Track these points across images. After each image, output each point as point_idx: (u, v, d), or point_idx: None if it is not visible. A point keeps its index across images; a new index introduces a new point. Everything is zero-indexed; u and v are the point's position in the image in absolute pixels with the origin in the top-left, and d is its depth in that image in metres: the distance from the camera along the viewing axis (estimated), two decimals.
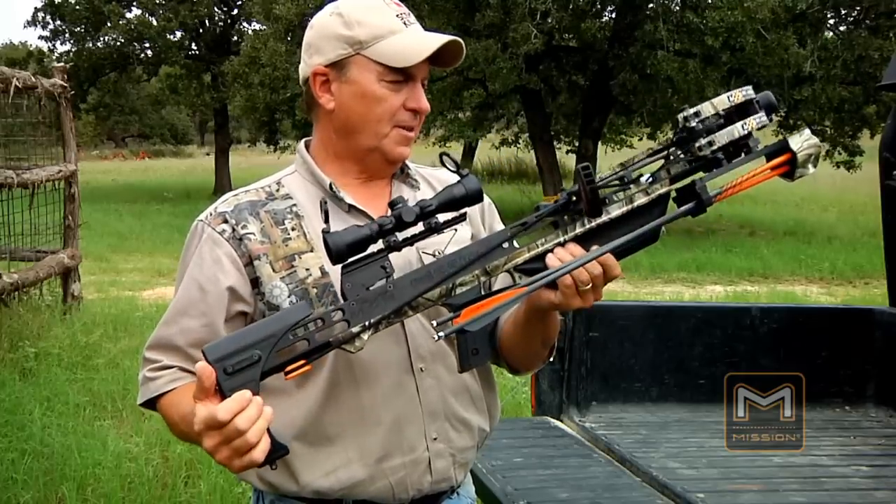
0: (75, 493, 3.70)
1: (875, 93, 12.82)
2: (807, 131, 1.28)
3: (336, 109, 1.44)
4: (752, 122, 1.24)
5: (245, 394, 1.14)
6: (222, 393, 1.16)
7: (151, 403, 1.41)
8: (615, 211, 1.28)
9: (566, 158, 19.98)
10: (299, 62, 1.50)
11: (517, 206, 14.97)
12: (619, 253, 1.27)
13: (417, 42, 1.41)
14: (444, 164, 1.33)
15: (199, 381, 1.15)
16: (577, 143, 17.10)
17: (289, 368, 1.22)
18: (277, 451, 1.19)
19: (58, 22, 22.48)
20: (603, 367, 3.34)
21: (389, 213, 1.27)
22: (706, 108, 1.24)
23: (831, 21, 14.52)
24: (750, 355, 3.40)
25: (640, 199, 1.27)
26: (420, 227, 1.28)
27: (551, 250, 1.28)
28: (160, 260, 11.16)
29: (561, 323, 1.51)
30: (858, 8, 14.17)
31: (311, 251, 1.42)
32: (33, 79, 7.02)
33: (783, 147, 1.26)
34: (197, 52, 23.46)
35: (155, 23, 21.87)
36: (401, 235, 1.27)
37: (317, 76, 1.44)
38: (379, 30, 1.40)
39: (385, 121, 1.42)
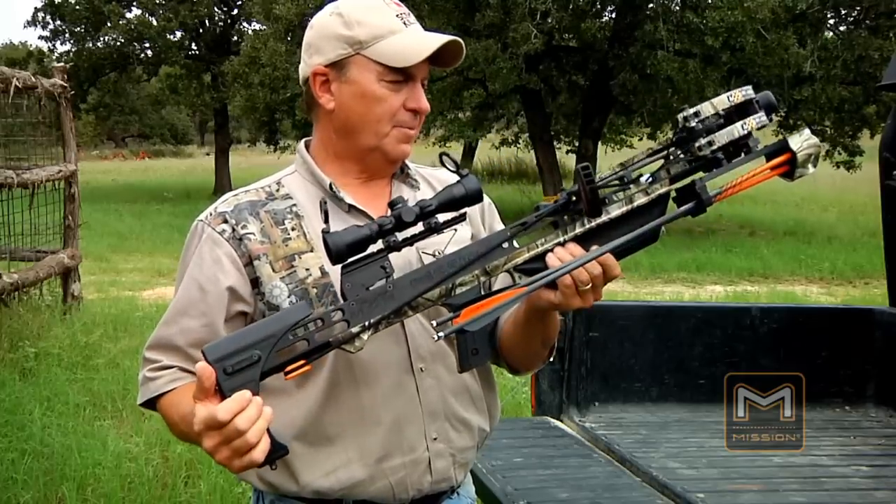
0: (75, 493, 3.70)
1: (875, 93, 12.82)
2: (806, 131, 1.28)
3: (336, 109, 1.44)
4: (752, 121, 1.24)
5: (245, 394, 1.14)
6: (222, 393, 1.16)
7: (151, 403, 1.41)
8: (615, 211, 1.28)
9: (566, 158, 19.98)
10: (299, 62, 1.50)
11: (517, 206, 14.97)
12: (619, 253, 1.27)
13: (417, 42, 1.41)
14: (443, 164, 1.33)
15: (199, 381, 1.15)
16: (577, 143, 17.10)
17: (289, 368, 1.22)
18: (277, 452, 1.19)
19: (58, 22, 22.49)
20: (603, 367, 3.34)
21: (389, 213, 1.27)
22: (706, 108, 1.24)
23: (831, 21, 14.53)
24: (750, 355, 3.40)
25: (640, 199, 1.27)
26: (420, 227, 1.28)
27: (551, 250, 1.28)
28: (160, 260, 11.16)
29: (561, 323, 1.52)
30: (858, 8, 14.16)
31: (311, 251, 1.42)
32: (33, 79, 7.02)
33: (783, 147, 1.26)
34: (197, 52, 23.46)
35: (155, 23, 21.87)
36: (400, 235, 1.27)
37: (317, 76, 1.44)
38: (379, 30, 1.40)
39: (385, 121, 1.42)
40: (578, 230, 1.28)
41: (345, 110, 1.43)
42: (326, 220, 1.25)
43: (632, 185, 1.27)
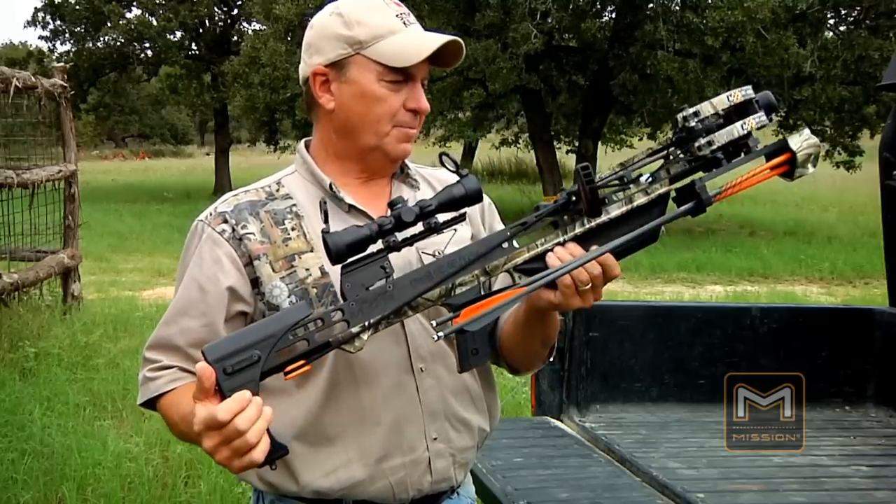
0: (75, 493, 3.70)
1: (875, 93, 12.81)
2: (806, 131, 1.28)
3: (336, 109, 1.44)
4: (752, 121, 1.24)
5: (245, 394, 1.14)
6: (222, 393, 1.16)
7: (151, 403, 1.41)
8: (615, 211, 1.28)
9: (566, 158, 19.98)
10: (299, 62, 1.50)
11: (517, 206, 14.97)
12: (619, 253, 1.27)
13: (417, 42, 1.41)
14: (443, 164, 1.33)
15: (199, 381, 1.15)
16: (577, 143, 17.11)
17: (288, 368, 1.22)
18: (277, 452, 1.19)
19: (58, 22, 22.49)
20: (603, 367, 3.34)
21: (389, 213, 1.27)
22: (705, 108, 1.24)
23: (831, 21, 14.52)
24: (750, 355, 3.40)
25: (640, 199, 1.27)
26: (420, 227, 1.28)
27: (551, 250, 1.28)
28: (160, 260, 11.16)
29: (561, 323, 1.52)
30: (858, 8, 14.16)
31: (311, 251, 1.42)
32: (33, 79, 7.02)
33: (783, 147, 1.26)
34: (197, 52, 23.46)
35: (155, 23, 21.88)
36: (400, 235, 1.27)
37: (317, 76, 1.44)
38: (379, 30, 1.40)
39: (385, 121, 1.42)
40: (578, 230, 1.28)
41: (345, 110, 1.43)
42: (326, 220, 1.25)
43: (632, 185, 1.27)
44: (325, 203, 1.28)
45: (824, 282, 10.43)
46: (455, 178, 1.33)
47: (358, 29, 1.40)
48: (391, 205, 1.27)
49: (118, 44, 22.23)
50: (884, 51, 12.43)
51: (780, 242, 13.09)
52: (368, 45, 1.40)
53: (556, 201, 1.29)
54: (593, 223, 1.28)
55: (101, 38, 22.27)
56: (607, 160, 15.48)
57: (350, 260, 1.26)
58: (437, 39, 1.40)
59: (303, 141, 1.54)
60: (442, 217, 1.29)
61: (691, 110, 1.25)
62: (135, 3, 22.38)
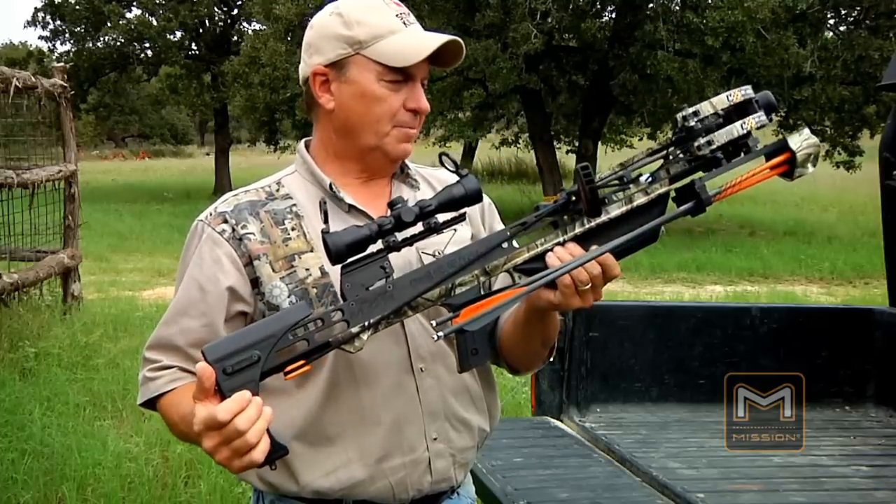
0: (75, 493, 3.70)
1: (875, 93, 12.81)
2: (806, 130, 1.28)
3: (336, 109, 1.44)
4: (752, 121, 1.24)
5: (245, 394, 1.14)
6: (222, 393, 1.16)
7: (151, 403, 1.41)
8: (614, 211, 1.28)
9: (566, 158, 19.98)
10: (299, 62, 1.50)
11: (517, 206, 14.97)
12: (619, 253, 1.27)
13: (417, 42, 1.41)
14: (443, 164, 1.33)
15: (199, 381, 1.15)
16: (577, 143, 17.11)
17: (288, 369, 1.22)
18: (277, 452, 1.19)
19: (58, 22, 22.49)
20: (603, 367, 3.34)
21: (389, 213, 1.27)
22: (705, 108, 1.24)
23: (831, 21, 14.52)
24: (750, 355, 3.40)
25: (640, 199, 1.27)
26: (419, 227, 1.28)
27: (551, 250, 1.28)
28: (160, 260, 11.16)
29: (561, 323, 1.52)
30: (858, 8, 14.16)
31: (311, 251, 1.42)
32: (33, 79, 7.02)
33: (782, 146, 1.26)
34: (197, 52, 23.46)
35: (155, 23, 21.88)
36: (400, 236, 1.27)
37: (316, 76, 1.44)
38: (378, 29, 1.40)
39: (385, 121, 1.42)
40: (578, 230, 1.28)
41: (345, 110, 1.43)
42: (326, 220, 1.25)
43: (631, 185, 1.27)
44: (325, 203, 1.28)
45: (824, 282, 10.42)
46: (455, 178, 1.33)
47: (358, 29, 1.40)
48: (391, 205, 1.27)
49: (118, 44, 22.23)
50: (884, 51, 12.43)
51: (780, 242, 13.09)
52: (368, 44, 1.40)
53: (556, 201, 1.29)
54: (593, 223, 1.28)
55: (101, 38, 22.27)
56: (607, 160, 15.48)
57: (350, 260, 1.26)
58: (437, 39, 1.40)
59: (303, 141, 1.54)
60: (442, 217, 1.28)
61: (691, 110, 1.25)
62: (135, 3, 22.38)
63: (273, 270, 1.40)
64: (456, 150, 22.23)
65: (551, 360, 1.54)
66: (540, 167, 16.14)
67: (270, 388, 1.30)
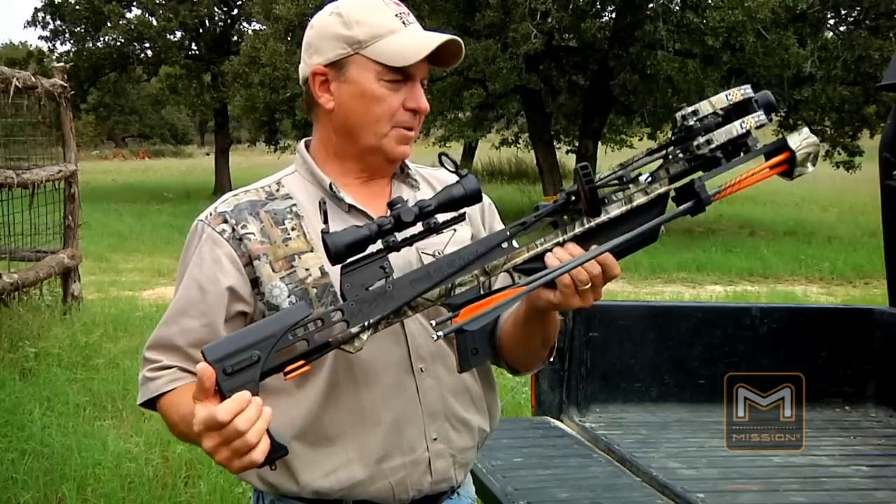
0: (75, 493, 3.70)
1: (875, 93, 12.81)
2: (805, 130, 1.28)
3: (336, 109, 1.44)
4: (751, 120, 1.24)
5: (244, 394, 1.14)
6: (222, 393, 1.16)
7: (151, 403, 1.41)
8: (614, 211, 1.28)
9: (566, 158, 19.98)
10: (299, 62, 1.50)
11: (517, 206, 14.97)
12: (619, 252, 1.26)
13: (416, 41, 1.41)
14: (443, 165, 1.33)
15: (199, 381, 1.15)
16: (577, 143, 17.11)
17: (288, 369, 1.22)
18: (277, 452, 1.19)
19: (58, 22, 22.49)
20: (603, 367, 3.34)
21: (389, 213, 1.27)
22: (704, 107, 1.24)
23: (831, 21, 14.52)
24: (750, 355, 3.40)
25: (639, 199, 1.27)
26: (419, 227, 1.28)
27: (550, 250, 1.28)
28: (160, 260, 11.16)
29: (561, 323, 1.51)
30: (858, 8, 14.16)
31: (311, 251, 1.42)
32: (33, 79, 7.02)
33: (782, 146, 1.26)
34: (197, 52, 23.46)
35: (155, 23, 21.88)
36: (400, 236, 1.27)
37: (316, 76, 1.44)
38: (378, 29, 1.40)
39: (384, 120, 1.42)
40: (578, 230, 1.28)
41: (344, 110, 1.43)
42: (326, 221, 1.25)
43: (631, 185, 1.27)
44: (325, 203, 1.29)
45: (824, 282, 10.42)
46: (455, 178, 1.33)
47: (357, 29, 1.40)
48: (391, 205, 1.27)
49: (118, 44, 22.24)
50: (884, 51, 12.43)
51: (780, 242, 13.09)
52: (368, 44, 1.40)
53: (556, 201, 1.29)
54: (593, 223, 1.28)
55: (101, 38, 22.28)
56: (607, 160, 15.47)
57: (350, 260, 1.26)
58: (436, 39, 1.40)
59: (303, 141, 1.54)
60: (441, 217, 1.28)
61: (690, 109, 1.25)
62: (135, 3, 22.39)
63: (273, 270, 1.40)
64: (456, 150, 22.24)
65: (551, 360, 1.54)
66: (540, 167, 16.14)
67: (270, 389, 1.30)
